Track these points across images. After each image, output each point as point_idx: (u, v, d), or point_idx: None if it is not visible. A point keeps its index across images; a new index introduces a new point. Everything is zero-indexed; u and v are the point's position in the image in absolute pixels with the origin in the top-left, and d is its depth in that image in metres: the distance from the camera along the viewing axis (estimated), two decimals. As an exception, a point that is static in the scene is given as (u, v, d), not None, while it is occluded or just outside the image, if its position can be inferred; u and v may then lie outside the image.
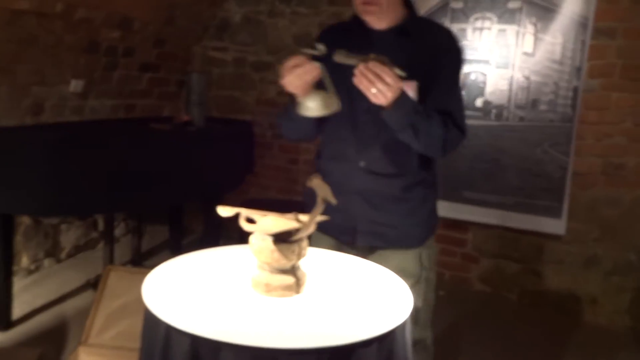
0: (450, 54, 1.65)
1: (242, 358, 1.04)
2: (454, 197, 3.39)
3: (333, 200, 1.22)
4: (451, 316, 3.11)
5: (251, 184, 4.02)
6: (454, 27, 3.27)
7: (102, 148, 2.64)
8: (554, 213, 3.18)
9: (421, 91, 1.59)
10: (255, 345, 1.04)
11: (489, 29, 3.21)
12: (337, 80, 1.57)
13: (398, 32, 1.62)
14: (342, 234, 1.71)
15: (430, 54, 1.61)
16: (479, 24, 3.23)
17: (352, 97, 1.60)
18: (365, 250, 1.71)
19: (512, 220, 3.29)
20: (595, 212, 3.16)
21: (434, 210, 1.78)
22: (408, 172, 1.66)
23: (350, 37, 1.66)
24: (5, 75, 2.81)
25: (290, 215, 1.32)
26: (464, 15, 3.25)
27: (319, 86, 1.50)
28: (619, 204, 3.11)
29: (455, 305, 3.29)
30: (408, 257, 1.70)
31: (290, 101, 1.60)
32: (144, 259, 3.57)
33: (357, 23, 1.65)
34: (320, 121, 1.63)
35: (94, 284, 3.09)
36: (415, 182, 1.68)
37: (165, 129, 3.14)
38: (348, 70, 1.52)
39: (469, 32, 3.25)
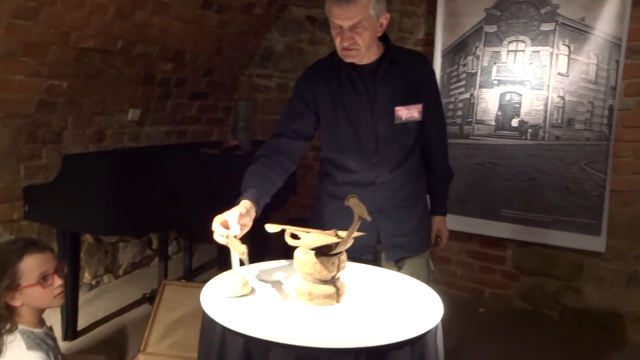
0: (432, 78, 1.94)
1: (289, 356, 1.19)
2: (492, 215, 3.46)
3: (368, 218, 1.36)
4: (492, 333, 3.16)
5: (293, 203, 4.19)
6: (488, 50, 3.38)
7: (158, 172, 2.87)
8: (593, 230, 3.20)
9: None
10: (301, 345, 1.19)
11: (523, 51, 3.30)
12: (341, 106, 1.80)
13: (388, 62, 1.80)
14: (364, 254, 1.83)
15: (416, 77, 1.85)
16: (512, 46, 3.33)
17: (353, 125, 1.81)
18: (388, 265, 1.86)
19: (551, 237, 3.32)
20: (635, 229, 3.16)
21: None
22: (410, 182, 1.89)
23: (338, 73, 1.83)
24: (72, 106, 3.10)
25: (330, 232, 1.47)
26: (497, 39, 3.35)
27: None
28: (659, 221, 3.11)
29: (496, 322, 3.34)
30: (420, 263, 1.89)
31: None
32: (195, 276, 3.78)
33: (342, 60, 1.79)
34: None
35: (149, 298, 3.31)
36: (416, 189, 1.92)
37: (215, 153, 3.35)
38: (346, 99, 1.79)
39: (503, 54, 3.35)
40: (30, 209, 2.82)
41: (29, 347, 1.61)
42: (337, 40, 1.73)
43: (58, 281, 1.69)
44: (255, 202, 1.57)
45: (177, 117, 3.95)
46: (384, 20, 1.75)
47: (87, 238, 3.44)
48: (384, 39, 1.84)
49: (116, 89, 3.33)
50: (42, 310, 1.73)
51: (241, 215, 1.48)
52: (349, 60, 1.77)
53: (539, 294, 3.49)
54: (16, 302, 1.64)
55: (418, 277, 1.68)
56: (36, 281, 1.64)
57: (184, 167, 3.00)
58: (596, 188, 3.17)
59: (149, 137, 3.77)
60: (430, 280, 1.89)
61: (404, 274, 1.72)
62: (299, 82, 1.91)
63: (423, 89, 1.86)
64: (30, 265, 1.64)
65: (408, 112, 1.82)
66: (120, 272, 3.77)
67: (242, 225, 1.48)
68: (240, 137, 3.43)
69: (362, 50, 1.73)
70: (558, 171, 3.27)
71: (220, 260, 4.00)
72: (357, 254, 1.78)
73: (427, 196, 2.05)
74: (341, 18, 1.67)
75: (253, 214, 1.55)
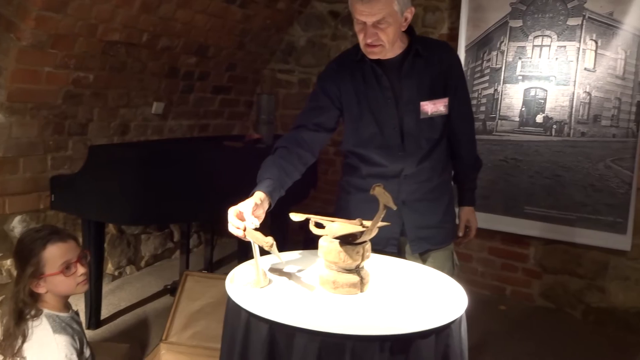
0: (459, 68, 1.91)
1: (313, 342, 1.19)
2: (515, 212, 3.42)
3: (394, 207, 1.35)
4: (513, 331, 3.13)
5: (314, 198, 4.19)
6: (513, 45, 3.34)
7: (182, 164, 2.89)
8: (619, 229, 3.14)
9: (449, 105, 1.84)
10: (326, 331, 1.18)
11: (549, 46, 3.25)
12: (365, 101, 1.78)
13: (413, 56, 1.77)
14: (387, 246, 1.83)
15: (442, 70, 1.81)
16: (538, 41, 3.28)
17: (378, 120, 1.79)
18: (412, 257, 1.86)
19: (575, 235, 3.27)
20: (663, 228, 3.10)
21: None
22: (436, 175, 1.87)
23: (362, 68, 1.81)
24: (98, 99, 3.14)
25: (355, 221, 1.47)
26: (523, 33, 3.31)
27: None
28: (688, 220, 3.04)
29: (517, 320, 3.30)
30: (445, 255, 1.88)
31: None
32: (215, 268, 3.80)
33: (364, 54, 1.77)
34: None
35: (170, 290, 3.34)
36: (441, 181, 1.90)
37: (238, 146, 3.37)
38: (370, 94, 1.76)
39: (528, 49, 3.31)
40: (56, 199, 2.87)
41: (55, 331, 1.64)
42: (361, 37, 1.71)
43: (81, 269, 1.72)
44: (269, 194, 1.56)
45: (199, 110, 3.98)
46: (409, 14, 1.72)
47: (110, 229, 3.49)
48: (408, 31, 1.81)
49: (141, 82, 3.37)
50: (67, 296, 1.76)
51: (256, 206, 1.48)
52: (372, 57, 1.75)
53: (561, 293, 3.44)
54: (40, 290, 1.67)
55: (442, 270, 1.67)
56: (59, 270, 1.66)
57: (207, 160, 3.02)
58: (622, 185, 3.12)
59: (172, 131, 3.80)
60: (455, 273, 1.87)
61: (427, 266, 1.72)
62: (323, 75, 1.89)
63: (449, 81, 1.83)
64: (54, 255, 1.66)
65: (434, 107, 1.80)
66: (142, 263, 3.81)
67: (255, 217, 1.47)
68: (263, 131, 3.44)
69: (386, 47, 1.71)
70: (583, 168, 3.22)
71: (241, 253, 4.02)
72: (380, 246, 1.77)
73: (454, 187, 2.03)
74: (364, 14, 1.65)
75: (266, 207, 1.54)
